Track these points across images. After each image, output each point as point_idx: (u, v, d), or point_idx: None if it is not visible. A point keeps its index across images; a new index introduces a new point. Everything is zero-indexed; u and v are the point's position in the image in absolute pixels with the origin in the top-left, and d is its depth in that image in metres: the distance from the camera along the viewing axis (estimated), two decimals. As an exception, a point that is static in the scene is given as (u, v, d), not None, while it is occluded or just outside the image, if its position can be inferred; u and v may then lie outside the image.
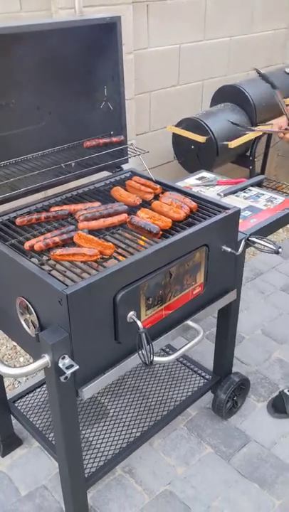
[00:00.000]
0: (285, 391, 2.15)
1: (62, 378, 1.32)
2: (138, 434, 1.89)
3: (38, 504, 1.79)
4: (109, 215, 1.58)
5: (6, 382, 2.28)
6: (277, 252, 1.56)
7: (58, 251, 1.38)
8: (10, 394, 2.11)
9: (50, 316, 1.34)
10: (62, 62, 1.79)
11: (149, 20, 2.88)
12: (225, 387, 2.02)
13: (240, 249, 1.63)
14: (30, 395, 2.07)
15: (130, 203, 1.67)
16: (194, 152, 2.99)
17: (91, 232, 1.53)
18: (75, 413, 1.45)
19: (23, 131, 1.80)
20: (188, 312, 1.67)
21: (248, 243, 1.65)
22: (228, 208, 1.64)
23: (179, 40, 3.08)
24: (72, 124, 1.90)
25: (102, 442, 1.91)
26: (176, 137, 3.07)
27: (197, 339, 1.59)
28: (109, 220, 1.55)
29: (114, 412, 2.08)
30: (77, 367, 1.30)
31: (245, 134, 2.93)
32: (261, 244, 1.61)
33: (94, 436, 1.94)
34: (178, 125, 3.02)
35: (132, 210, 1.66)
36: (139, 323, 1.41)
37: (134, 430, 1.93)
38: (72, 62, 1.82)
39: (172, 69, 3.14)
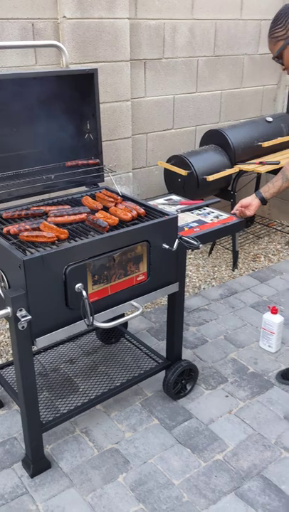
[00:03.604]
0: None
1: (20, 326, 1.77)
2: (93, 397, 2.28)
3: (7, 449, 2.20)
4: (74, 214, 2.07)
5: (4, 356, 2.74)
6: (197, 248, 1.99)
7: (26, 233, 1.87)
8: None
9: (15, 280, 1.81)
10: (57, 101, 2.33)
11: (146, 74, 3.47)
12: (173, 370, 2.40)
13: (175, 246, 2.06)
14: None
15: (93, 207, 2.16)
16: (181, 185, 3.48)
17: (57, 225, 2.01)
18: (31, 359, 1.88)
19: (23, 153, 2.35)
20: (134, 295, 2.09)
21: (182, 242, 2.09)
22: (168, 215, 2.10)
23: (173, 91, 3.65)
24: (62, 149, 2.42)
25: (65, 405, 2.31)
26: (166, 171, 3.58)
27: (136, 314, 2.01)
28: (72, 217, 2.03)
29: (83, 389, 2.48)
30: (30, 317, 1.75)
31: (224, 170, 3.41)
32: (188, 242, 2.04)
33: (61, 403, 2.34)
34: (168, 161, 3.54)
35: (94, 212, 2.14)
36: (84, 292, 1.86)
37: (93, 398, 2.33)
38: (65, 102, 2.36)
39: (167, 115, 3.69)
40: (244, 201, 2.35)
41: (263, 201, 2.31)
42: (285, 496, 1.96)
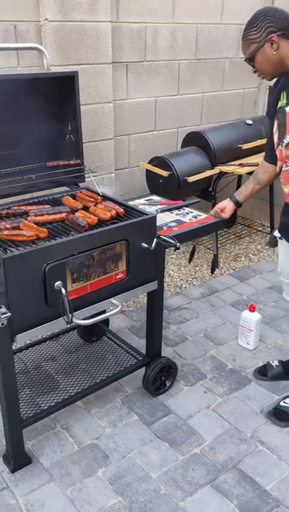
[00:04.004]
0: (271, 362, 2.65)
1: (-1, 323, 1.80)
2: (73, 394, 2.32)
3: (-12, 446, 2.23)
4: (54, 213, 2.10)
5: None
6: (175, 247, 2.04)
7: (6, 232, 1.90)
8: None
9: (-4, 278, 1.84)
10: (39, 103, 2.36)
11: (128, 77, 3.52)
12: (152, 367, 2.45)
13: (153, 245, 2.11)
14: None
15: (73, 207, 2.20)
16: (162, 185, 3.53)
17: (37, 224, 2.05)
18: (11, 356, 1.91)
19: (4, 153, 2.37)
20: (113, 293, 2.14)
21: (160, 241, 2.13)
22: (147, 214, 2.15)
23: (154, 93, 3.70)
24: (43, 150, 2.45)
25: (45, 402, 2.34)
26: (148, 172, 3.63)
27: (115, 311, 2.06)
28: (52, 216, 2.07)
29: (64, 386, 2.51)
30: (10, 314, 1.79)
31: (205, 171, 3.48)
32: (166, 241, 2.09)
33: (42, 400, 2.38)
34: (150, 162, 3.59)
35: (74, 212, 2.18)
36: (63, 290, 1.89)
37: (73, 394, 2.36)
38: (47, 103, 2.40)
39: (149, 117, 3.75)
40: (220, 204, 2.40)
41: (237, 204, 2.37)
42: (259, 487, 2.02)
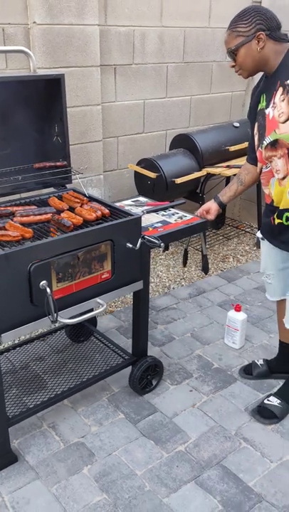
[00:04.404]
0: (256, 361, 2.68)
1: (-16, 322, 1.82)
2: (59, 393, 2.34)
3: (-25, 444, 2.25)
4: (40, 214, 2.13)
5: None
6: (159, 246, 2.07)
7: (-9, 232, 1.93)
8: None
9: (-19, 277, 1.87)
10: (26, 105, 2.40)
11: (117, 80, 3.55)
12: (139, 366, 2.48)
13: (138, 245, 2.14)
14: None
15: (59, 207, 2.23)
16: (150, 187, 3.57)
17: (23, 224, 2.07)
18: (-3, 354, 1.94)
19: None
20: (99, 292, 2.16)
21: (144, 242, 2.17)
22: (132, 215, 2.18)
23: (143, 96, 3.74)
24: (31, 151, 2.49)
25: (32, 401, 2.36)
26: (136, 174, 3.67)
27: (100, 310, 2.09)
28: (38, 217, 2.10)
29: (51, 385, 2.53)
30: (-5, 313, 1.81)
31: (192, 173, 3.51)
32: (150, 241, 2.13)
33: (29, 399, 2.40)
34: (138, 164, 3.63)
35: (60, 212, 2.20)
36: (48, 289, 1.92)
37: (59, 393, 2.38)
38: (34, 106, 2.43)
39: (138, 120, 3.78)
40: (205, 206, 2.44)
41: (221, 205, 2.40)
42: (242, 483, 2.06)
